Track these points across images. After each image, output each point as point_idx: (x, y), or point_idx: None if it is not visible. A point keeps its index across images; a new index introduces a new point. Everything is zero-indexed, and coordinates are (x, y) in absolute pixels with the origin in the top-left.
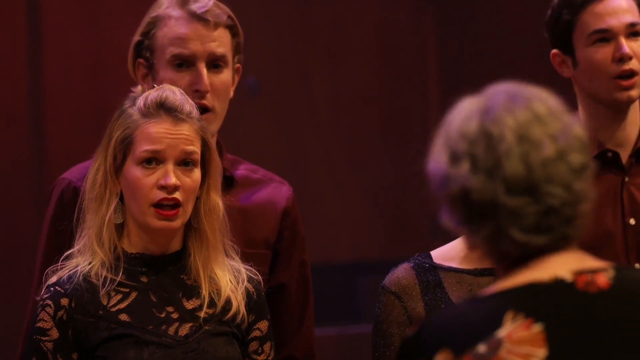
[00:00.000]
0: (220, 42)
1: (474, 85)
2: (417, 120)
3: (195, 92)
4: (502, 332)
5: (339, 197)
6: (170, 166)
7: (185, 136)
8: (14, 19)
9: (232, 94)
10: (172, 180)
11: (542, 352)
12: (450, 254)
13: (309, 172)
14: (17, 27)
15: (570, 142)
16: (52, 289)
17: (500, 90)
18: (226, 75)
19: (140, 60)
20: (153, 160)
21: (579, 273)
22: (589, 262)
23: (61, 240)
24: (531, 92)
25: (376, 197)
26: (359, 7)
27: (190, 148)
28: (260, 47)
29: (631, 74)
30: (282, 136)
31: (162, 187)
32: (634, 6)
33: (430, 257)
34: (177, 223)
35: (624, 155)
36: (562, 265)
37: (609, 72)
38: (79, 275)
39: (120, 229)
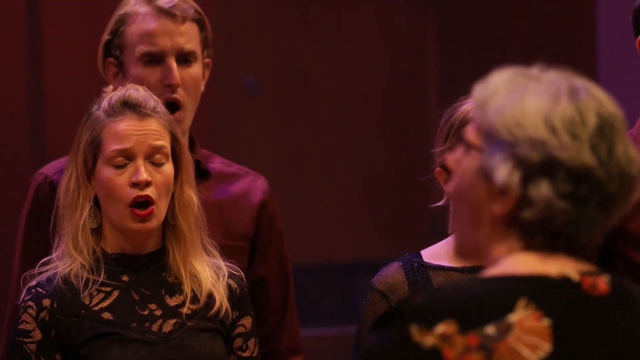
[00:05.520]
0: (189, 37)
1: (474, 85)
2: (417, 120)
3: (167, 86)
4: (514, 317)
5: (339, 197)
6: (140, 162)
7: (152, 131)
8: (14, 19)
9: (202, 88)
10: (143, 176)
11: (547, 346)
12: (439, 252)
13: (309, 172)
14: (17, 27)
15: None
16: (33, 290)
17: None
18: (196, 70)
19: (110, 59)
20: (123, 158)
21: (583, 274)
22: (584, 264)
23: (39, 236)
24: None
25: (376, 196)
26: (359, 7)
27: (159, 143)
28: (260, 47)
29: None
30: (282, 136)
31: (134, 185)
32: None
33: (420, 256)
34: (152, 223)
35: None
36: (568, 263)
37: None
38: (59, 278)
39: (97, 232)
